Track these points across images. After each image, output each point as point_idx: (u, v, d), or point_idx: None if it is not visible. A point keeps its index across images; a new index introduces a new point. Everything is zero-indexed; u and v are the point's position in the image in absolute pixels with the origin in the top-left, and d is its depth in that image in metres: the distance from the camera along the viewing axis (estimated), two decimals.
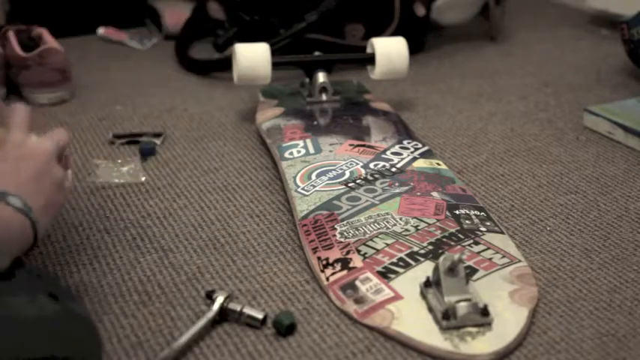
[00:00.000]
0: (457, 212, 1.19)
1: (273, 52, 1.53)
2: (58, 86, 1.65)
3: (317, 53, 1.63)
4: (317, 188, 1.25)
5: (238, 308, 1.00)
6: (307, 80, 1.58)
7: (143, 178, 1.35)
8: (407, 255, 1.09)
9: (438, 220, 1.17)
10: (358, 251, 1.10)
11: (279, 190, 1.31)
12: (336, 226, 1.15)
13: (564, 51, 1.94)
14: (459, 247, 1.11)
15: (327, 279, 1.07)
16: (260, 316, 1.00)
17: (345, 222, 1.16)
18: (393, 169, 1.30)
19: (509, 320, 0.98)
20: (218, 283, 1.09)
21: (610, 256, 1.14)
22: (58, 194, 0.95)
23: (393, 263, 1.08)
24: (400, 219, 1.17)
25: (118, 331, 0.99)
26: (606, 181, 1.34)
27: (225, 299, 1.01)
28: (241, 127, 1.55)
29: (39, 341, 0.78)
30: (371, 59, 1.57)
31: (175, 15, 2.01)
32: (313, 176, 1.28)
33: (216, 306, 1.00)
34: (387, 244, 1.11)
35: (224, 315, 1.01)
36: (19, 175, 0.90)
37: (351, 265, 1.08)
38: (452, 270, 0.99)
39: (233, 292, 1.05)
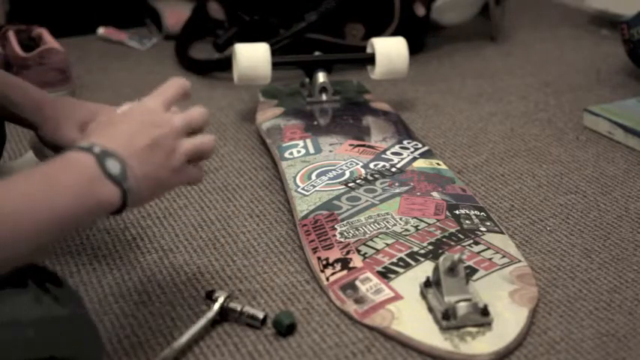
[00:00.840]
0: (457, 212, 1.19)
1: (273, 52, 1.53)
2: (58, 86, 1.65)
3: (317, 53, 1.63)
4: (317, 188, 1.25)
5: (238, 308, 1.00)
6: (307, 80, 1.58)
7: None
8: (407, 255, 1.09)
9: (438, 220, 1.17)
10: (358, 251, 1.10)
11: (279, 190, 1.31)
12: (336, 226, 1.15)
13: (564, 51, 1.94)
14: (458, 247, 1.11)
15: (327, 279, 1.07)
16: (260, 315, 1.00)
17: (345, 222, 1.16)
18: (393, 169, 1.30)
19: (509, 320, 0.98)
20: (218, 283, 1.09)
21: (610, 256, 1.14)
22: (169, 173, 0.89)
23: (393, 263, 1.08)
24: (400, 219, 1.17)
25: (118, 331, 0.99)
26: (606, 181, 1.34)
27: (226, 299, 1.01)
28: (241, 127, 1.55)
29: (41, 342, 0.78)
30: (371, 59, 1.57)
31: (175, 15, 2.01)
32: (313, 176, 1.28)
33: (216, 306, 1.00)
34: (387, 244, 1.11)
35: (224, 315, 1.01)
36: (133, 139, 0.86)
37: (351, 265, 1.08)
38: (452, 270, 0.99)
39: (233, 292, 1.05)
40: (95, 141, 0.84)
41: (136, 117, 0.89)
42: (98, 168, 0.82)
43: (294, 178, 1.28)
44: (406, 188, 1.24)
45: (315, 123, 1.47)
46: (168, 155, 0.88)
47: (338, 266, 1.08)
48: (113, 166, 0.83)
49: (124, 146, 0.85)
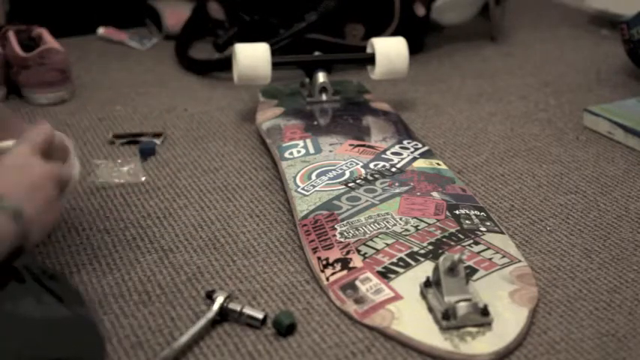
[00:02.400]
0: (457, 212, 1.19)
1: (273, 52, 1.53)
2: (58, 86, 1.65)
3: (317, 53, 1.63)
4: (317, 188, 1.25)
5: (238, 308, 1.00)
6: (307, 80, 1.58)
7: (143, 178, 1.35)
8: (407, 255, 1.09)
9: (438, 220, 1.17)
10: (358, 251, 1.10)
11: (279, 190, 1.31)
12: (336, 226, 1.15)
13: (564, 51, 1.94)
14: (458, 247, 1.11)
15: (327, 279, 1.07)
16: (260, 316, 1.00)
17: (345, 222, 1.16)
18: (393, 169, 1.30)
19: (509, 320, 0.98)
20: (218, 283, 1.09)
21: (610, 256, 1.14)
22: (48, 213, 0.93)
23: (393, 263, 1.08)
24: (400, 219, 1.17)
25: (118, 331, 0.99)
26: (606, 181, 1.34)
27: (226, 299, 1.01)
28: (241, 127, 1.55)
29: (43, 343, 0.78)
30: (371, 59, 1.57)
31: (175, 15, 2.01)
32: (313, 176, 1.28)
33: (216, 306, 1.00)
34: (387, 244, 1.11)
35: (224, 315, 1.01)
36: (14, 182, 0.90)
37: (351, 265, 1.08)
38: (452, 270, 0.99)
39: (233, 292, 1.05)
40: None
41: (9, 164, 0.93)
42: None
43: (294, 178, 1.28)
44: (406, 188, 1.24)
45: (315, 123, 1.47)
46: (45, 197, 0.92)
47: (338, 266, 1.08)
48: (6, 202, 0.87)
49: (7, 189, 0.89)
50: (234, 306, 1.00)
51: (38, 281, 0.83)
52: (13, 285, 0.80)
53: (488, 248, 1.11)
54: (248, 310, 1.00)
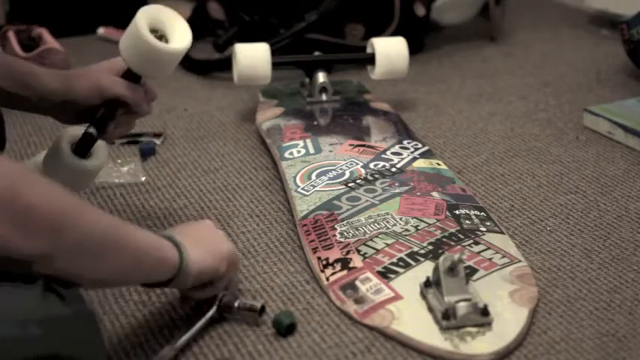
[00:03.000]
0: (457, 212, 1.19)
1: (273, 52, 1.53)
2: None
3: (317, 53, 1.63)
4: (317, 188, 1.25)
5: (235, 303, 1.00)
6: (307, 80, 1.58)
7: (143, 178, 1.35)
8: (407, 255, 1.09)
9: (438, 220, 1.17)
10: (358, 251, 1.10)
11: (279, 190, 1.31)
12: (336, 226, 1.15)
13: (564, 51, 1.94)
14: (459, 247, 1.11)
15: (327, 279, 1.07)
16: (258, 305, 0.99)
17: (345, 222, 1.16)
18: (393, 169, 1.30)
19: (509, 320, 0.98)
20: None
21: (610, 256, 1.14)
22: (219, 261, 0.98)
23: (393, 263, 1.08)
24: (400, 219, 1.17)
25: (118, 331, 0.99)
26: (606, 181, 1.34)
27: (221, 296, 1.00)
28: (241, 127, 1.55)
29: (45, 340, 0.78)
30: (371, 59, 1.57)
31: None
32: (313, 176, 1.28)
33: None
34: (387, 244, 1.11)
35: (221, 311, 1.00)
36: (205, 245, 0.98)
37: (351, 265, 1.08)
38: (452, 270, 0.99)
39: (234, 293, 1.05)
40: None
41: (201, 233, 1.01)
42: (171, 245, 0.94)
43: (294, 178, 1.28)
44: (406, 188, 1.24)
45: (315, 123, 1.47)
46: (218, 248, 1.00)
47: (338, 266, 1.08)
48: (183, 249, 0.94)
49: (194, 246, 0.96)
50: (229, 300, 1.00)
51: (43, 279, 0.83)
52: (16, 282, 0.80)
53: (488, 248, 1.11)
54: (245, 303, 1.00)
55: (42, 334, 0.78)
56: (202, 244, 0.97)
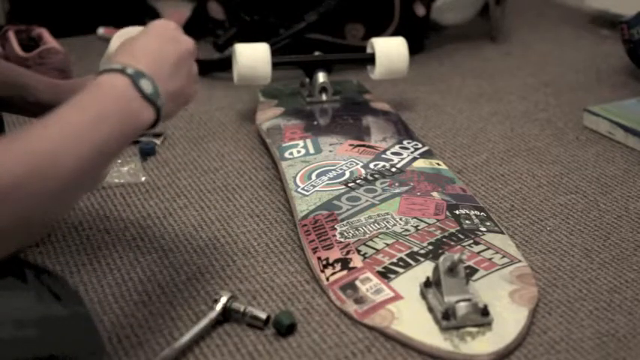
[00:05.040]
0: (457, 212, 1.19)
1: (273, 52, 1.53)
2: None
3: (317, 53, 1.63)
4: (317, 188, 1.25)
5: (241, 309, 1.00)
6: (307, 80, 1.58)
7: (143, 178, 1.35)
8: (407, 255, 1.09)
9: (438, 220, 1.17)
10: (358, 251, 1.10)
11: (279, 190, 1.31)
12: (336, 226, 1.15)
13: (564, 51, 1.94)
14: (458, 247, 1.11)
15: (327, 279, 1.07)
16: (263, 316, 0.99)
17: (345, 222, 1.16)
18: (393, 169, 1.30)
19: (509, 320, 0.98)
20: (218, 283, 1.09)
21: (610, 256, 1.14)
22: (191, 86, 0.96)
23: (393, 263, 1.08)
24: (400, 219, 1.17)
25: (118, 331, 0.99)
26: (606, 181, 1.34)
27: (229, 300, 1.01)
28: (241, 127, 1.55)
29: (41, 341, 0.78)
30: (371, 59, 1.57)
31: (175, 15, 2.01)
32: (313, 176, 1.28)
33: (219, 306, 1.00)
34: (387, 244, 1.11)
35: (227, 315, 1.01)
36: (161, 56, 0.91)
37: (351, 265, 1.08)
38: (452, 270, 0.99)
39: (235, 293, 1.05)
40: (125, 61, 0.87)
41: (160, 34, 0.93)
42: (134, 90, 0.86)
43: (294, 178, 1.28)
44: (406, 188, 1.24)
45: (315, 123, 1.47)
46: (188, 69, 0.95)
47: (338, 266, 1.08)
48: (147, 86, 0.86)
49: (153, 64, 0.88)
50: (237, 306, 1.00)
51: (38, 279, 0.83)
52: (14, 281, 0.80)
53: (489, 248, 1.11)
54: (251, 311, 1.00)
55: (38, 334, 0.78)
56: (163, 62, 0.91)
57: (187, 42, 0.96)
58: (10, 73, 1.13)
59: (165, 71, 0.90)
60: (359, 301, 1.02)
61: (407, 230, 1.14)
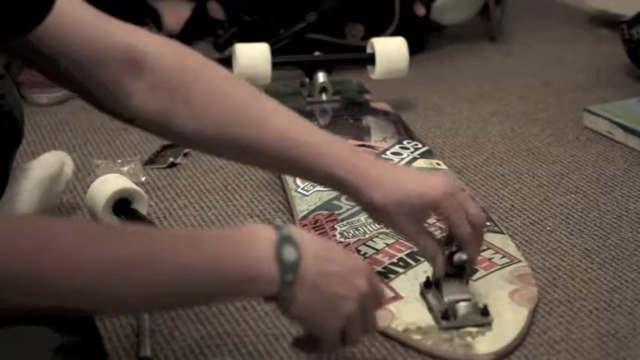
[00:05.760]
0: None
1: (273, 52, 1.53)
2: (58, 86, 1.65)
3: (317, 53, 1.63)
4: (317, 188, 1.24)
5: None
6: (307, 80, 1.58)
7: (143, 178, 1.35)
8: (407, 255, 1.09)
9: (438, 220, 1.17)
10: (358, 251, 1.10)
11: (279, 190, 1.31)
12: (336, 226, 1.15)
13: (564, 51, 1.93)
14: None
15: None
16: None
17: (345, 222, 1.16)
18: None
19: (509, 320, 0.98)
20: None
21: (610, 256, 1.14)
22: (347, 305, 0.79)
23: (393, 263, 1.08)
24: None
25: (118, 331, 0.99)
26: (606, 181, 1.34)
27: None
28: None
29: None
30: (371, 59, 1.57)
31: (175, 15, 2.01)
32: None
33: None
34: (387, 244, 1.11)
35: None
36: (325, 272, 0.78)
37: None
38: (460, 268, 0.98)
39: None
40: (290, 230, 0.77)
41: (348, 258, 0.82)
42: (273, 248, 0.75)
43: (294, 178, 1.28)
44: None
45: (315, 123, 1.47)
46: (346, 316, 0.80)
47: None
48: (289, 254, 0.75)
49: (314, 257, 0.77)
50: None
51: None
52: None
53: (488, 248, 1.11)
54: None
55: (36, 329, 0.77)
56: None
57: (365, 266, 0.84)
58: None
59: (316, 272, 0.77)
60: None
61: None
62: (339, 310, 0.79)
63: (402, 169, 1.10)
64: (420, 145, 1.37)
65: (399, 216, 0.92)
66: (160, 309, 0.86)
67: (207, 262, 0.73)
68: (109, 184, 1.19)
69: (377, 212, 0.93)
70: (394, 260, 1.08)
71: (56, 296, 0.68)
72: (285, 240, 0.75)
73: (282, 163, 0.94)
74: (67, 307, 0.69)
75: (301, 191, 1.24)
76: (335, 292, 0.78)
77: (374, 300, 0.83)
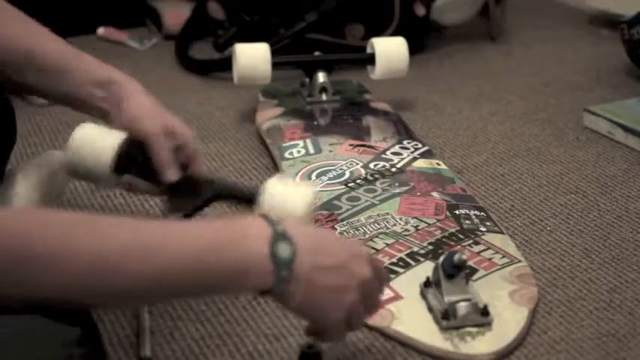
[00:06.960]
0: (457, 212, 1.19)
1: (273, 52, 1.53)
2: None
3: (317, 53, 1.63)
4: (317, 188, 1.24)
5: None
6: (307, 80, 1.58)
7: None
8: (407, 255, 1.09)
9: (438, 220, 1.17)
10: None
11: None
12: (336, 226, 1.15)
13: (564, 51, 1.93)
14: (459, 247, 1.11)
15: None
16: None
17: (345, 222, 1.16)
18: (393, 169, 1.30)
19: (509, 320, 0.98)
20: None
21: (610, 256, 1.14)
22: (333, 314, 0.79)
23: (393, 263, 1.08)
24: (400, 219, 1.17)
25: (118, 331, 0.99)
26: (606, 181, 1.34)
27: None
28: (241, 127, 1.55)
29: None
30: (371, 59, 1.57)
31: (175, 15, 2.01)
32: (313, 176, 1.28)
33: None
34: (387, 244, 1.11)
35: None
36: (322, 254, 0.78)
37: None
38: (459, 267, 0.99)
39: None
40: (284, 226, 0.76)
41: (343, 248, 0.81)
42: (268, 244, 0.74)
43: (294, 178, 1.28)
44: (406, 188, 1.24)
45: (315, 123, 1.47)
46: (345, 303, 0.79)
47: None
48: (284, 251, 0.75)
49: (309, 252, 0.76)
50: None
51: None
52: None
53: (489, 248, 1.11)
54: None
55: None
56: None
57: (360, 277, 0.80)
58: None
59: (313, 266, 0.76)
60: None
61: (407, 230, 1.14)
62: (340, 301, 0.79)
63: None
64: (420, 145, 1.38)
65: None
66: (152, 301, 0.86)
67: (199, 253, 0.73)
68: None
69: None
70: (394, 260, 1.08)
71: (46, 287, 0.68)
72: (280, 236, 0.75)
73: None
74: (58, 297, 0.69)
75: None
76: (333, 285, 0.78)
77: (376, 283, 0.82)
